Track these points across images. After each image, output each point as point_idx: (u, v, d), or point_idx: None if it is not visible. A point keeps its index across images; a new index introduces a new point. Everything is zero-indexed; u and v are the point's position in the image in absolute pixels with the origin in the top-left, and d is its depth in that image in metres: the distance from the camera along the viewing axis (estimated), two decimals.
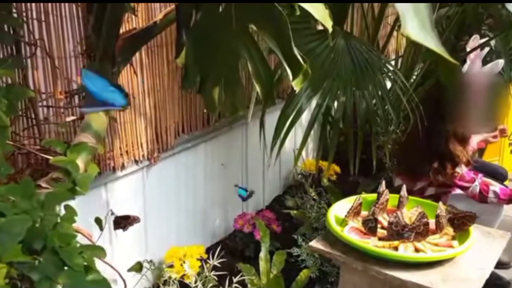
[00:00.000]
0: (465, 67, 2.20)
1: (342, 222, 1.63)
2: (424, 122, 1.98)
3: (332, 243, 1.55)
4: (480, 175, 2.15)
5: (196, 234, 2.47)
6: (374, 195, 1.73)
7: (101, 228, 1.23)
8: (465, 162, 2.05)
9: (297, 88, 1.26)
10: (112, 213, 1.47)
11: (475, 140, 2.37)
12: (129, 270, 1.29)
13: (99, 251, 1.00)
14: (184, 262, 2.07)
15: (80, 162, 1.35)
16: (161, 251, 2.16)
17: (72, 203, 1.37)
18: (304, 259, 2.18)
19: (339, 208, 1.68)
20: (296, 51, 1.19)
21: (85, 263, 0.98)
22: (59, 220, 1.07)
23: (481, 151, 3.18)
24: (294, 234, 2.37)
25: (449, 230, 1.59)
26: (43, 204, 1.12)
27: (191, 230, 2.44)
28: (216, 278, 1.87)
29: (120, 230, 1.78)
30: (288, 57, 1.19)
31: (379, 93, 2.25)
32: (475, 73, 2.14)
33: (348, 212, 1.63)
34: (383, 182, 1.72)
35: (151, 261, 1.91)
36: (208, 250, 2.44)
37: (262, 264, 2.12)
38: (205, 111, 2.33)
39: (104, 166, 1.81)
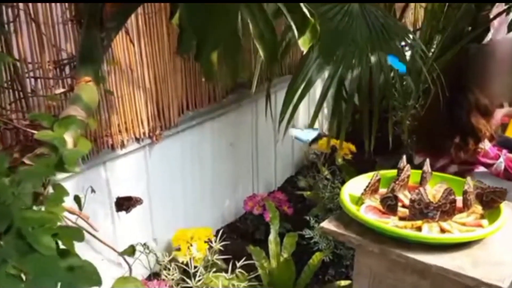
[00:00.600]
0: (489, 35, 2.03)
1: (358, 201, 1.47)
2: (446, 94, 1.81)
3: (346, 224, 1.39)
4: (504, 151, 1.99)
5: (205, 217, 2.34)
6: (394, 171, 1.56)
7: (80, 208, 1.09)
8: (489, 137, 1.92)
9: (304, 49, 1.09)
10: (93, 190, 1.34)
11: (498, 115, 2.20)
12: (121, 253, 1.17)
13: (77, 234, 0.86)
14: (191, 245, 1.94)
15: (68, 137, 1.22)
16: (168, 234, 2.04)
17: (68, 182, 1.24)
18: (316, 241, 2.04)
19: (355, 186, 1.52)
20: (302, 4, 1.02)
21: (63, 247, 0.84)
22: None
23: (503, 127, 3.04)
24: (306, 215, 2.21)
25: (477, 208, 1.42)
26: (19, 182, 0.99)
27: (199, 213, 2.31)
28: (219, 262, 1.73)
29: (123, 213, 1.66)
30: (293, 9, 1.02)
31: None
32: (500, 40, 1.95)
33: (364, 190, 1.46)
34: (404, 157, 1.55)
35: (145, 244, 1.77)
36: (217, 233, 2.32)
37: (272, 247, 1.98)
38: (210, 85, 2.18)
39: (102, 144, 1.67)
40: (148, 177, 1.95)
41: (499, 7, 2.13)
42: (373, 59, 1.97)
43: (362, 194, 1.46)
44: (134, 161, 1.86)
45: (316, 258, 1.94)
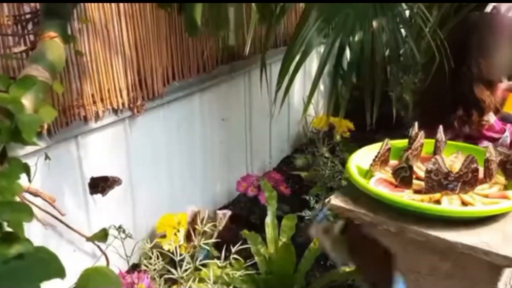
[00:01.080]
0: (489, 7, 1.90)
1: (367, 174, 1.32)
2: (451, 64, 1.72)
3: (355, 199, 1.24)
4: (508, 125, 1.87)
5: (193, 200, 2.18)
6: (404, 141, 1.41)
7: (30, 179, 0.93)
8: (494, 109, 1.81)
9: None
10: (47, 157, 1.18)
11: (499, 89, 2.12)
12: (90, 239, 1.00)
13: (25, 214, 0.69)
14: (178, 231, 1.79)
15: (27, 101, 1.06)
16: (152, 219, 1.88)
17: (31, 159, 1.08)
18: None
19: (362, 158, 1.37)
20: None
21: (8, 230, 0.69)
22: None
23: (503, 102, 3.01)
24: (306, 196, 2.07)
25: (499, 178, 1.28)
26: None
27: (187, 196, 2.16)
28: (208, 248, 1.58)
29: (99, 195, 1.50)
30: None
31: (400, 27, 1.92)
32: (500, 12, 1.85)
33: (374, 160, 1.31)
34: (416, 125, 1.40)
35: (120, 227, 1.60)
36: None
37: (269, 231, 1.84)
38: (203, 55, 2.00)
39: (72, 115, 1.50)
40: (128, 154, 1.79)
41: None
42: (375, 24, 1.82)
43: (371, 165, 1.32)
44: (111, 136, 1.69)
45: (318, 241, 1.79)
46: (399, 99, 2.76)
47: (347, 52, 1.97)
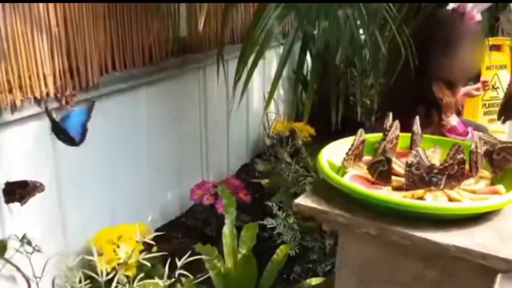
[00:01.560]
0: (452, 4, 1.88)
1: (339, 171, 1.16)
2: (415, 61, 1.71)
3: (328, 200, 1.07)
4: (470, 128, 1.83)
5: (139, 212, 1.96)
6: (379, 135, 1.26)
7: None
8: (456, 111, 1.83)
9: None
10: None
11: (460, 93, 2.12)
12: None
13: None
14: (118, 246, 1.56)
15: None
16: (88, 234, 1.64)
17: None
18: (280, 232, 1.73)
19: (333, 152, 1.21)
20: None
21: None
22: None
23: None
24: (268, 202, 1.90)
25: (484, 172, 1.16)
26: None
27: (131, 207, 1.93)
28: (149, 264, 1.36)
29: (17, 204, 1.26)
30: None
31: (366, 19, 1.81)
32: (465, 12, 1.82)
33: (347, 154, 1.16)
34: (390, 115, 1.27)
35: (23, 238, 1.33)
36: (157, 232, 1.97)
37: (227, 242, 1.65)
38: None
39: None
40: (56, 155, 1.55)
41: None
42: (340, 13, 1.70)
43: (345, 160, 1.16)
44: (33, 131, 1.45)
45: (281, 252, 1.63)
46: (363, 103, 2.69)
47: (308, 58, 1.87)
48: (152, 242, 1.50)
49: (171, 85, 2.03)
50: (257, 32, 1.54)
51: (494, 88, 3.58)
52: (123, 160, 1.85)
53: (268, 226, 1.74)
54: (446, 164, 1.04)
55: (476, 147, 1.12)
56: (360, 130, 1.18)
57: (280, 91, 3.06)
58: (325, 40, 1.71)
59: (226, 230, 1.67)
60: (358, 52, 2.01)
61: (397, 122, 1.25)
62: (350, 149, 1.16)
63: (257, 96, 2.70)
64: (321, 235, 1.80)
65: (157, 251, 1.53)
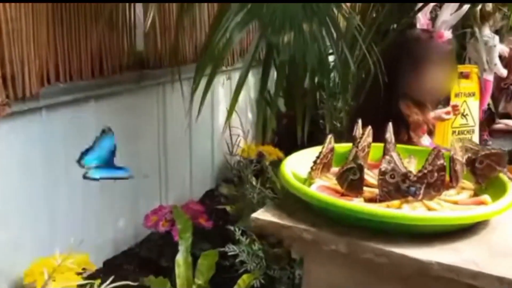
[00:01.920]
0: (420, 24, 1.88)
1: (304, 183, 1.04)
2: (385, 80, 1.68)
3: (291, 213, 0.94)
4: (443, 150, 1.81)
5: (86, 242, 1.75)
6: (348, 145, 1.15)
7: None
8: (428, 130, 1.82)
9: None
10: None
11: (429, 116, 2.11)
12: None
13: None
14: (54, 280, 1.37)
15: None
16: (22, 266, 1.45)
17: None
18: (244, 260, 1.57)
19: (297, 163, 1.09)
20: None
21: None
22: None
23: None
24: (230, 226, 1.75)
25: (466, 183, 1.05)
26: None
27: (76, 235, 1.73)
28: None
29: None
30: None
31: (334, 34, 1.74)
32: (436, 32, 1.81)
33: (315, 163, 1.04)
34: (360, 122, 1.16)
35: None
36: (106, 264, 1.79)
37: (181, 272, 1.49)
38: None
39: None
40: None
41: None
42: (305, 26, 1.61)
43: (312, 169, 1.04)
44: None
45: (244, 282, 1.48)
46: (333, 126, 2.63)
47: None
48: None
49: (125, 101, 1.89)
50: (216, 38, 1.42)
51: (464, 115, 3.61)
52: (67, 182, 1.67)
53: (229, 254, 1.58)
54: (425, 171, 0.93)
55: (456, 153, 1.02)
56: (329, 136, 1.07)
57: (249, 114, 2.96)
58: (290, 53, 1.62)
59: (180, 258, 1.50)
60: (326, 73, 1.94)
61: (369, 128, 1.14)
62: (318, 157, 1.04)
63: (224, 118, 2.58)
64: (290, 264, 1.65)
65: (99, 286, 1.35)
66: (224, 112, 2.56)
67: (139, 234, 2.04)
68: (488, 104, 4.49)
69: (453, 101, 2.75)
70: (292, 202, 0.98)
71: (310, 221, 0.90)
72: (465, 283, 0.78)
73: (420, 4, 1.99)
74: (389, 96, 1.71)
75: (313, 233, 0.87)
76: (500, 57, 4.21)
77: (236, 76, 2.66)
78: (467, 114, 3.70)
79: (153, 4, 1.89)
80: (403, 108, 1.71)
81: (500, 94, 4.57)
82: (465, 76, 4.01)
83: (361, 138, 1.10)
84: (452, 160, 1.00)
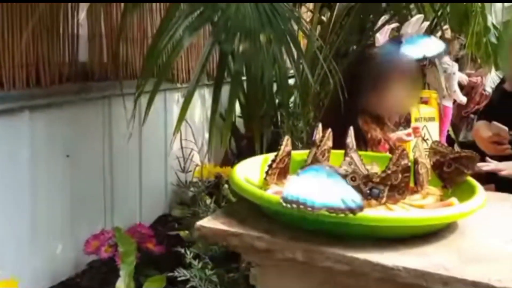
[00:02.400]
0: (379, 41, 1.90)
1: (260, 188, 0.96)
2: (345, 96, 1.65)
3: (243, 220, 0.86)
4: None
5: (21, 272, 1.60)
6: (306, 152, 1.08)
7: None
8: (389, 149, 1.79)
9: None
10: None
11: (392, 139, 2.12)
12: None
13: None
14: None
15: None
16: None
17: None
18: (195, 286, 1.45)
19: (252, 168, 1.01)
20: None
21: None
22: None
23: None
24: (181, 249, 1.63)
25: (431, 189, 1.01)
26: None
27: (8, 266, 1.57)
28: None
29: None
30: None
31: (294, 51, 1.70)
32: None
33: (270, 167, 0.96)
34: (320, 126, 1.10)
35: None
36: None
37: None
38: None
39: None
40: None
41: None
42: (262, 38, 1.57)
43: (267, 174, 0.96)
44: None
45: None
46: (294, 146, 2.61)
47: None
48: None
49: (65, 114, 1.77)
50: (163, 41, 1.34)
51: (424, 140, 3.66)
52: None
53: (179, 279, 1.46)
54: (389, 172, 0.87)
55: (421, 155, 0.97)
56: (286, 138, 0.99)
57: (205, 134, 2.87)
58: (245, 62, 1.56)
59: (121, 285, 1.37)
60: (286, 92, 1.89)
61: (329, 132, 1.08)
62: (273, 161, 0.97)
63: (178, 139, 2.49)
64: None
65: None
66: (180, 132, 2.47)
67: (80, 262, 1.89)
68: (448, 131, 4.59)
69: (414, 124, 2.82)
70: (244, 209, 0.90)
71: (263, 228, 0.82)
72: None
73: (379, 24, 2.01)
74: (348, 112, 1.67)
75: (266, 240, 0.79)
76: (461, 85, 4.34)
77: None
78: (427, 139, 3.76)
79: (97, 11, 1.81)
80: (361, 124, 1.68)
81: (460, 122, 4.65)
82: (424, 101, 4.09)
83: (320, 141, 1.04)
84: (416, 162, 0.95)
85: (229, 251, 1.65)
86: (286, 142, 0.98)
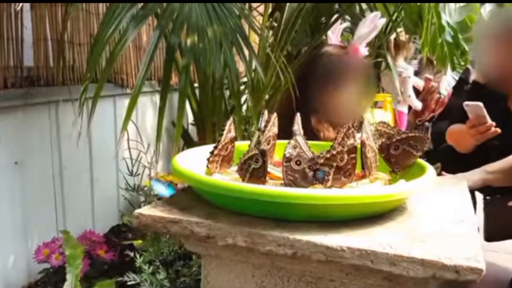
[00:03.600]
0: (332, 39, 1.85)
1: None
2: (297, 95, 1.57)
3: (184, 208, 0.80)
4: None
5: None
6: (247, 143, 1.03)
7: None
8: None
9: None
10: None
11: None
12: None
13: None
14: None
15: None
16: None
17: None
18: None
19: (192, 160, 0.94)
20: None
21: None
22: None
23: None
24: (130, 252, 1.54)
25: (380, 174, 0.96)
26: None
27: None
28: None
29: None
30: None
31: (241, 44, 1.65)
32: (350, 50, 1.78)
33: (212, 154, 0.91)
34: (266, 112, 1.05)
35: None
36: None
37: None
38: None
39: None
40: None
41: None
42: (210, 33, 1.50)
43: (209, 162, 0.91)
44: None
45: None
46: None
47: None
48: None
49: (11, 120, 1.66)
50: (105, 35, 1.26)
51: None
52: None
53: (128, 283, 1.37)
54: (334, 152, 0.83)
55: (368, 138, 0.93)
56: (229, 123, 0.93)
57: (163, 144, 2.77)
58: (194, 57, 1.49)
59: None
60: (237, 95, 1.84)
61: (274, 116, 1.03)
62: (215, 147, 0.91)
63: (133, 145, 2.39)
64: None
65: None
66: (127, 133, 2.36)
67: (33, 271, 1.76)
68: None
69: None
70: (186, 199, 0.84)
71: (204, 214, 0.76)
72: (382, 273, 0.67)
73: (331, 24, 1.98)
74: (300, 111, 1.64)
75: (206, 225, 0.72)
76: (417, 90, 4.22)
77: (142, 100, 2.51)
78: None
79: (42, 13, 1.72)
80: (314, 123, 1.62)
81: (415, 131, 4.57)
82: (379, 106, 4.02)
83: (265, 127, 0.99)
84: (363, 145, 0.91)
85: (181, 255, 1.57)
86: (228, 128, 0.92)
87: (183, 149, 2.68)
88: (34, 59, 1.80)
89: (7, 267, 1.71)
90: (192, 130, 2.56)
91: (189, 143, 2.63)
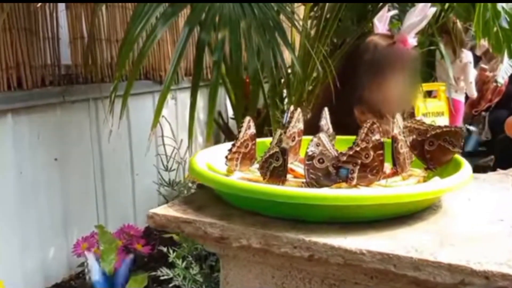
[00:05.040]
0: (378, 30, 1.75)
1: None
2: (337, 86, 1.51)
3: (200, 208, 0.77)
4: None
5: (11, 275, 1.53)
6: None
7: None
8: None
9: None
10: None
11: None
12: None
13: None
14: None
15: None
16: None
17: None
18: (179, 286, 1.35)
19: (213, 157, 0.91)
20: None
21: None
22: None
23: None
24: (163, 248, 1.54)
25: (415, 170, 0.89)
26: None
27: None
28: None
29: None
30: None
31: (279, 40, 1.60)
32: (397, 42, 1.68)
33: (230, 151, 0.87)
34: (291, 108, 1.00)
35: None
36: None
37: None
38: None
39: None
40: None
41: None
42: (243, 24, 1.46)
43: (228, 159, 0.87)
44: None
45: None
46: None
47: None
48: None
49: (50, 118, 1.70)
50: (135, 32, 1.25)
51: None
52: None
53: (161, 278, 1.37)
54: (357, 149, 0.77)
55: (400, 132, 0.86)
56: (247, 119, 0.89)
57: (198, 137, 2.78)
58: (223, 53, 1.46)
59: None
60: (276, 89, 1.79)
61: (298, 112, 0.97)
62: (233, 145, 0.87)
63: (171, 141, 2.41)
64: None
65: None
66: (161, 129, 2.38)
67: (73, 265, 1.81)
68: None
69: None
70: (203, 198, 0.81)
71: (218, 214, 0.73)
72: (407, 277, 0.61)
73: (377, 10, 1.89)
74: (343, 104, 1.51)
75: (219, 227, 0.69)
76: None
77: (182, 96, 2.52)
78: None
79: (78, 13, 1.74)
80: (358, 114, 1.51)
81: (472, 122, 4.28)
82: (433, 95, 3.79)
83: (289, 123, 0.94)
84: (394, 140, 0.84)
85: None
86: (247, 125, 0.88)
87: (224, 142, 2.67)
88: (71, 58, 1.83)
89: (46, 259, 1.76)
90: (233, 124, 2.55)
91: (230, 137, 2.62)
